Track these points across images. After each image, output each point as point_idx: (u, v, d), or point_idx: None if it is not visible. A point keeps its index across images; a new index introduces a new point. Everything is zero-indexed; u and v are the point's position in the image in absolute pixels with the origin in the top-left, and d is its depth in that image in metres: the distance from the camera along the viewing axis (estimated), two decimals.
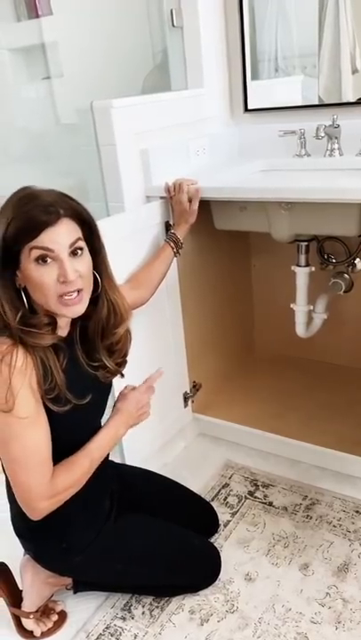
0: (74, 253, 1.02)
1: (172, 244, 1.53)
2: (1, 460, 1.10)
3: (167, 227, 1.61)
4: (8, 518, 1.26)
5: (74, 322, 1.14)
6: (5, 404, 1.00)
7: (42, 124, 2.09)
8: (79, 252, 1.03)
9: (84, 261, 1.05)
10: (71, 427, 1.12)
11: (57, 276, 1.01)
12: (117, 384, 1.31)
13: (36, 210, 0.98)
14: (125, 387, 1.30)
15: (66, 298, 1.03)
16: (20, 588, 1.33)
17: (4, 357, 1.00)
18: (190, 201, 1.53)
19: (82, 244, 1.04)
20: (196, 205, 1.53)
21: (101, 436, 1.19)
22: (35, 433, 1.05)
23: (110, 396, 1.30)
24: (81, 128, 1.58)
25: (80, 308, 1.06)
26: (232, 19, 1.79)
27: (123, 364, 1.24)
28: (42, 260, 1.00)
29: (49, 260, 1.00)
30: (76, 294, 1.04)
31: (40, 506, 1.09)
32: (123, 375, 1.25)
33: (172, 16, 1.71)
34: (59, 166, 1.92)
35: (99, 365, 1.17)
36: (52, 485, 1.09)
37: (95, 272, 1.09)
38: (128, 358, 1.25)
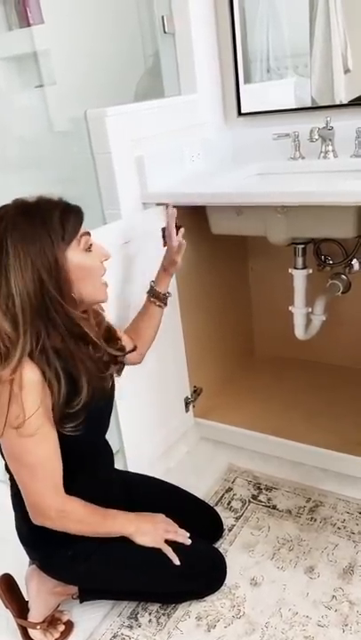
0: None
1: (156, 302, 1.43)
2: (9, 471, 1.11)
3: (163, 233, 1.61)
4: (13, 529, 1.26)
5: None
6: (16, 419, 1.01)
7: (35, 132, 2.09)
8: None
9: None
10: (78, 437, 1.12)
11: (99, 257, 1.11)
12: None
13: (58, 209, 1.04)
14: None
15: (103, 280, 1.13)
16: (26, 599, 1.33)
17: (15, 373, 1.00)
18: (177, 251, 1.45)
19: None
20: (179, 258, 1.44)
21: (116, 520, 1.23)
22: (46, 446, 1.07)
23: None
24: (75, 135, 1.58)
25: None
26: (223, 23, 1.79)
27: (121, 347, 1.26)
28: (89, 247, 1.08)
29: (92, 245, 1.09)
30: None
31: (49, 513, 1.11)
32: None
33: (164, 23, 1.71)
34: (53, 174, 1.92)
35: (109, 360, 1.19)
36: (63, 500, 1.12)
37: None
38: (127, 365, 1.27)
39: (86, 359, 1.08)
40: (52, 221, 1.01)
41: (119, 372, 1.28)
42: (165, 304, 1.45)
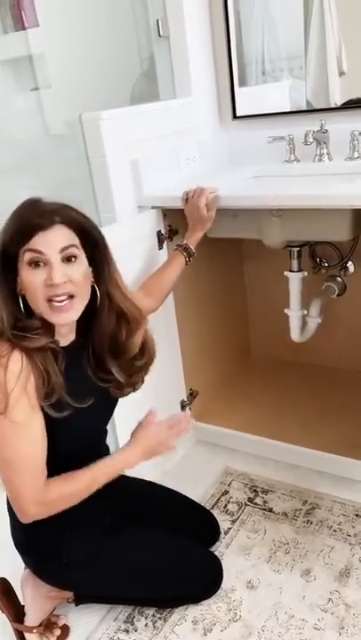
0: (68, 259, 1.04)
1: (184, 253, 1.52)
2: None
3: (159, 236, 1.61)
4: (9, 534, 1.25)
5: (80, 332, 1.15)
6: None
7: (31, 136, 2.09)
8: (73, 259, 1.05)
9: (78, 269, 1.06)
10: (70, 433, 1.12)
11: (45, 279, 1.02)
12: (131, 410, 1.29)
13: (32, 214, 1.03)
14: (147, 415, 1.27)
15: (55, 304, 1.04)
16: (22, 603, 1.33)
17: (0, 360, 1.00)
18: (208, 208, 1.50)
19: (76, 251, 1.05)
20: (213, 212, 1.51)
21: (110, 461, 1.18)
22: (28, 438, 1.05)
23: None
24: (70, 139, 1.58)
25: (69, 316, 1.07)
26: (218, 26, 1.80)
27: (139, 381, 1.24)
28: (34, 263, 1.02)
29: (41, 263, 1.02)
30: (66, 300, 1.04)
31: (30, 510, 1.08)
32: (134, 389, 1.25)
33: (159, 26, 1.72)
34: (48, 177, 1.92)
35: (109, 379, 1.17)
36: (44, 492, 1.08)
37: (96, 284, 1.10)
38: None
39: (47, 357, 1.06)
40: (8, 224, 1.04)
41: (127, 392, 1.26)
42: (190, 260, 1.53)
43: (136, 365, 1.22)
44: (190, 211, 1.52)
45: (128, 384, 1.22)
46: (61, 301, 1.04)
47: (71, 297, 1.05)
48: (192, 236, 1.53)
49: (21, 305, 1.06)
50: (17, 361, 1.02)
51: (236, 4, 1.76)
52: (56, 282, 1.02)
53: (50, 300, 1.03)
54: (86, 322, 1.13)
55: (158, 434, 1.24)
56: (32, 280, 1.03)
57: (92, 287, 1.11)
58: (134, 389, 1.25)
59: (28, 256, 1.02)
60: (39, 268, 1.02)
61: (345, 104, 1.69)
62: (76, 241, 1.05)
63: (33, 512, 1.09)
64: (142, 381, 1.26)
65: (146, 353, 1.23)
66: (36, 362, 1.04)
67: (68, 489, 1.11)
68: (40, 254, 1.02)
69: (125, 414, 1.54)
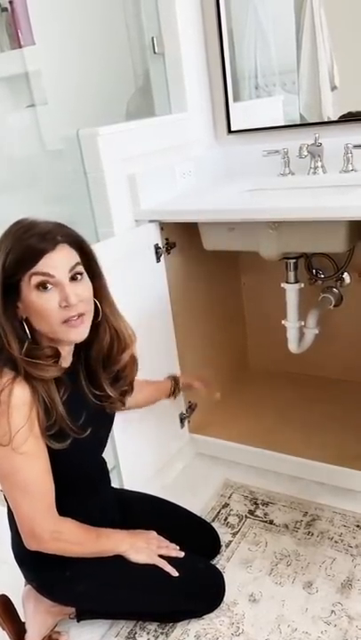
0: (73, 278, 1.04)
1: (172, 382, 1.57)
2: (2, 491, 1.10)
3: (157, 249, 1.62)
4: (9, 549, 1.25)
5: (77, 352, 1.15)
6: (3, 437, 1.00)
7: (28, 152, 2.11)
8: (79, 276, 1.05)
9: (85, 286, 1.07)
10: (70, 460, 1.12)
11: (59, 301, 1.02)
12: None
13: (34, 238, 1.01)
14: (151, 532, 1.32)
15: (72, 322, 1.04)
16: (23, 620, 1.31)
17: (4, 390, 1.00)
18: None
19: (81, 268, 1.06)
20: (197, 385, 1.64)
21: (110, 539, 1.22)
22: (36, 466, 1.06)
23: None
24: (67, 155, 1.60)
25: (84, 331, 1.08)
26: (212, 43, 1.83)
27: (127, 392, 1.25)
28: (42, 286, 1.01)
29: (49, 286, 1.02)
30: (77, 318, 1.05)
31: (44, 535, 1.10)
32: (124, 404, 1.25)
33: (154, 43, 1.74)
34: (46, 193, 1.94)
35: (103, 395, 1.18)
36: (56, 522, 1.11)
37: (95, 299, 1.11)
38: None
39: (50, 389, 1.07)
40: (7, 248, 1.01)
41: (119, 405, 1.26)
42: (175, 395, 1.58)
43: (125, 379, 1.23)
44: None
45: (120, 399, 1.23)
46: (76, 320, 1.05)
47: (81, 315, 1.06)
48: (187, 385, 1.63)
49: (27, 330, 1.05)
50: (22, 391, 1.02)
51: (229, 21, 1.80)
52: (72, 303, 1.02)
53: (65, 322, 1.04)
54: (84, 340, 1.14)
55: (149, 539, 1.28)
56: (43, 303, 1.02)
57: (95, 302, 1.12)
58: (123, 404, 1.26)
59: (36, 279, 1.01)
60: (48, 291, 1.02)
61: (339, 118, 1.72)
62: (78, 258, 1.06)
63: (47, 538, 1.10)
64: (130, 393, 1.27)
65: (130, 369, 1.24)
66: (40, 392, 1.04)
67: (77, 532, 1.15)
68: (49, 277, 1.01)
69: (124, 428, 1.54)
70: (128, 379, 1.23)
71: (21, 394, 1.02)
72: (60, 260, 1.02)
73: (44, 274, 1.01)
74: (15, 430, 1.01)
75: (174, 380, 1.58)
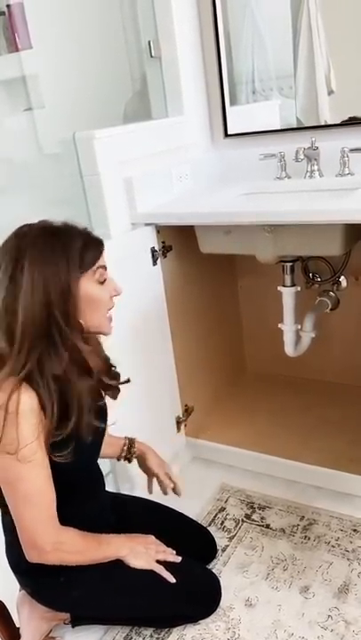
0: None
1: (126, 441, 1.43)
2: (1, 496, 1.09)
3: (153, 252, 1.62)
4: (3, 554, 1.24)
5: None
6: (10, 445, 1.00)
7: (25, 155, 2.11)
8: None
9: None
10: (74, 466, 1.11)
11: (110, 291, 1.11)
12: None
13: (82, 233, 1.07)
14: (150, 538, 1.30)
15: (109, 314, 1.13)
16: (17, 625, 1.30)
17: (11, 398, 0.99)
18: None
19: None
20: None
21: (110, 545, 1.21)
22: (40, 475, 1.06)
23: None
24: (64, 158, 1.60)
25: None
26: (209, 47, 1.83)
27: (118, 375, 1.26)
28: (103, 280, 1.09)
29: (106, 279, 1.10)
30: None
31: (46, 547, 1.09)
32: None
33: (150, 47, 1.74)
34: (43, 196, 1.93)
35: (103, 385, 1.20)
36: (58, 531, 1.11)
37: None
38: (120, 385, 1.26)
39: (84, 389, 1.07)
40: (71, 248, 1.03)
41: (114, 396, 1.26)
42: (129, 452, 1.43)
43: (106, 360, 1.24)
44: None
45: (113, 381, 1.24)
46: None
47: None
48: (144, 451, 1.45)
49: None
50: (29, 398, 1.01)
51: (227, 25, 1.80)
52: (121, 292, 1.13)
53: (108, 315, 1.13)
54: None
55: (148, 544, 1.27)
56: (104, 296, 1.09)
57: None
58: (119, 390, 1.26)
59: (99, 273, 1.07)
60: (105, 284, 1.09)
61: (344, 122, 1.71)
62: None
63: (49, 549, 1.09)
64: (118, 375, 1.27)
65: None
66: (45, 401, 1.03)
67: (79, 541, 1.15)
68: (106, 270, 1.09)
69: (120, 431, 1.54)
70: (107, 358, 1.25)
71: (29, 400, 1.01)
72: (104, 255, 1.10)
73: (104, 267, 1.09)
74: (23, 440, 1.00)
75: (129, 441, 1.44)
